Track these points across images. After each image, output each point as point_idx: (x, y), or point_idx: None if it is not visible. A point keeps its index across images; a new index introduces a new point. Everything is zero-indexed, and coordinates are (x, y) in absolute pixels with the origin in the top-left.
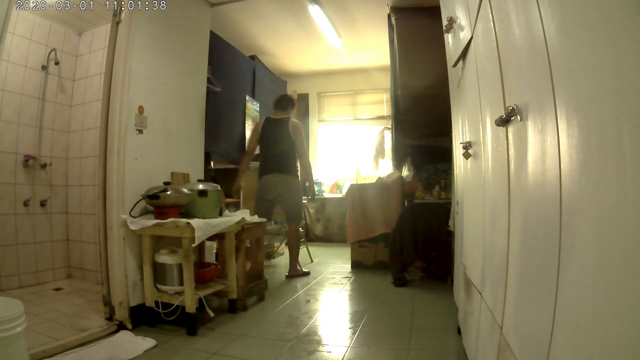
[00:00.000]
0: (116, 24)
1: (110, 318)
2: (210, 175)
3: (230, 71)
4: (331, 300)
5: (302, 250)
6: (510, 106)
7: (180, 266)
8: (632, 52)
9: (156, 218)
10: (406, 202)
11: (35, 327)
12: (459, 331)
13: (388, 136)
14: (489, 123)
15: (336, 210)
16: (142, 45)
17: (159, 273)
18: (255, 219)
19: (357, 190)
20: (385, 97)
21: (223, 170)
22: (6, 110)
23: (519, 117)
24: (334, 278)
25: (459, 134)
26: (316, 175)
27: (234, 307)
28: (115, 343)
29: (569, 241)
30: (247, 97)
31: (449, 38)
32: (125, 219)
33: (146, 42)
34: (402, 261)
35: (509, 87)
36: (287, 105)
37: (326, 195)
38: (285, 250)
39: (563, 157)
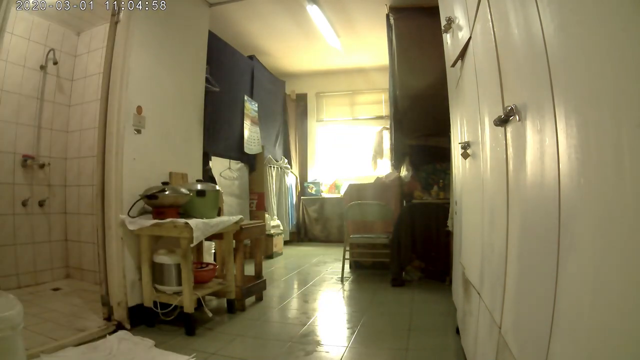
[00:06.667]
0: (115, 24)
1: (108, 318)
2: (208, 176)
3: (229, 71)
4: (330, 301)
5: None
6: (508, 106)
7: (178, 266)
8: (632, 51)
9: (154, 218)
10: (405, 202)
11: (34, 327)
12: (457, 331)
13: (386, 136)
14: (487, 123)
15: (334, 211)
16: (140, 45)
17: (157, 273)
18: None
19: (356, 190)
20: (384, 97)
21: None
22: (4, 110)
23: (517, 117)
24: (332, 278)
25: (458, 134)
26: (314, 175)
27: (232, 308)
28: (113, 343)
29: (567, 241)
30: (246, 97)
31: (447, 38)
32: (123, 219)
33: (144, 42)
34: (400, 261)
35: (508, 87)
36: None
37: (325, 195)
38: (283, 249)
39: (562, 157)
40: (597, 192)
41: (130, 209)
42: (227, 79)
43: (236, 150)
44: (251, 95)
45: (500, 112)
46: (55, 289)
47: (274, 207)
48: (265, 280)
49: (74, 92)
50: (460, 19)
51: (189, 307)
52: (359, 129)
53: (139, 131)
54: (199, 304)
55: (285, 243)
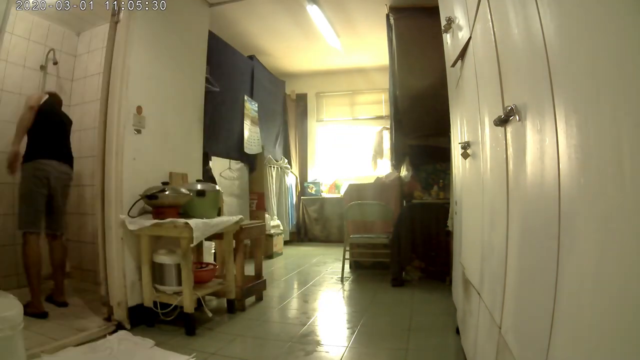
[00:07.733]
0: (115, 23)
1: (108, 318)
2: (208, 176)
3: (229, 71)
4: (330, 301)
5: None
6: (508, 106)
7: (178, 266)
8: (632, 51)
9: (154, 218)
10: (405, 202)
11: (34, 327)
12: (457, 331)
13: (386, 136)
14: (487, 123)
15: (334, 211)
16: (140, 45)
17: (158, 273)
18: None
19: (356, 190)
20: (384, 97)
21: None
22: (5, 110)
23: (517, 117)
24: (332, 278)
25: (458, 134)
26: (314, 175)
27: (232, 308)
28: (113, 343)
29: (567, 241)
30: (246, 97)
31: (447, 38)
32: (123, 219)
33: (145, 42)
34: (400, 261)
35: (508, 87)
36: None
37: (325, 195)
38: (283, 249)
39: (562, 157)
40: (597, 192)
41: (130, 209)
42: (227, 79)
43: (236, 150)
44: (251, 95)
45: (500, 112)
46: None
47: (274, 207)
48: (265, 280)
49: (74, 92)
50: (460, 19)
51: (189, 307)
52: (359, 129)
53: (139, 131)
54: (199, 304)
55: (285, 243)
